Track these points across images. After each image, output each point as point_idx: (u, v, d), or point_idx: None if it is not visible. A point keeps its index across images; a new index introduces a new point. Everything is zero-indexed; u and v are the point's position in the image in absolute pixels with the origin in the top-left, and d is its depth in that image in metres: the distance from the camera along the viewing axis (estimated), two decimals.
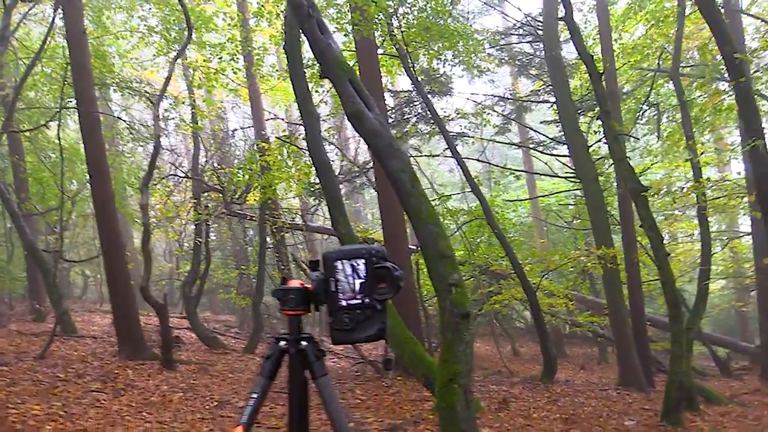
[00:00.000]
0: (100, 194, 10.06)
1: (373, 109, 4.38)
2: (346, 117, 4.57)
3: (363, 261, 1.60)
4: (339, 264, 1.61)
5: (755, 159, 6.68)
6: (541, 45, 14.07)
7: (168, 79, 9.48)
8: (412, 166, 4.41)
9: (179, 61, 13.83)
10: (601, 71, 7.24)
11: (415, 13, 10.19)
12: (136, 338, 10.43)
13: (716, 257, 21.56)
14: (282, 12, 11.23)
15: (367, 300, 1.62)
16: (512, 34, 14.82)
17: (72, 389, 7.62)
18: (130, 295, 10.45)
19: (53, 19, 12.43)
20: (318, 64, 4.75)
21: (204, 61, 12.91)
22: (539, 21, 13.72)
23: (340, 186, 18.68)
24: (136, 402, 7.31)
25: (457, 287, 3.94)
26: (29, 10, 14.55)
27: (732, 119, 14.86)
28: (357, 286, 1.63)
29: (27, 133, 15.48)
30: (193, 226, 14.82)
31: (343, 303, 1.64)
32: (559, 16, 8.50)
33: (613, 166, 14.02)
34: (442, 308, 4.05)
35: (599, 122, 14.06)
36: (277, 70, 15.13)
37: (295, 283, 1.74)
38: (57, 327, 10.74)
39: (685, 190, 10.09)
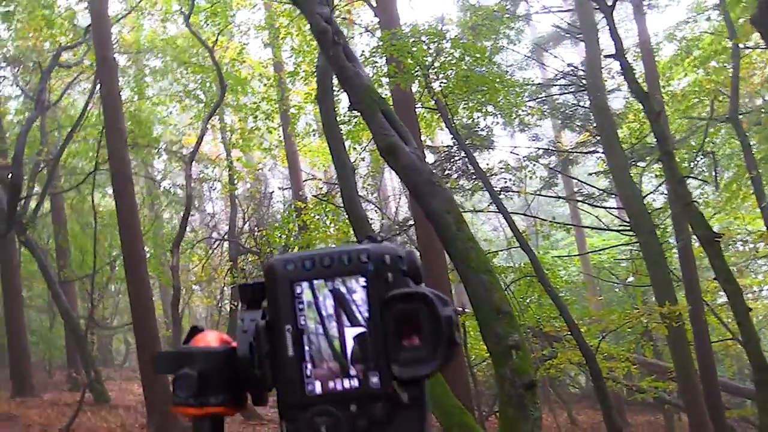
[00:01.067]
0: (131, 255, 9.75)
1: (410, 143, 3.85)
2: (379, 154, 4.04)
3: (363, 281, 0.74)
4: (303, 290, 0.75)
5: None
6: (585, 95, 13.56)
7: (201, 138, 9.26)
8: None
9: (217, 124, 13.80)
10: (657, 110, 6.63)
11: (454, 62, 9.81)
12: (166, 410, 9.88)
13: None
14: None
15: (373, 380, 0.74)
16: (554, 85, 14.36)
17: None
18: None
19: (94, 86, 12.58)
20: (347, 97, 4.28)
21: (239, 121, 12.79)
22: (582, 70, 13.26)
23: None
24: None
25: (518, 350, 3.23)
26: (72, 81, 14.86)
27: None
28: (348, 346, 0.76)
29: (69, 201, 15.55)
30: (230, 290, 14.42)
31: (315, 388, 0.75)
32: (606, 55, 7.99)
33: (669, 217, 13.20)
34: (501, 376, 3.32)
35: (655, 169, 13.32)
36: (313, 130, 14.95)
37: (207, 339, 0.80)
38: (85, 395, 10.27)
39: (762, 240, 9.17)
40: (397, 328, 0.73)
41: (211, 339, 0.80)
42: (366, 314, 0.73)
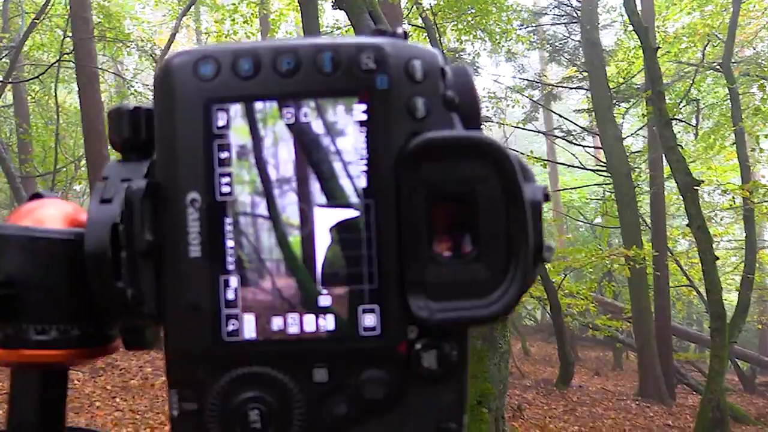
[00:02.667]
0: (94, 156, 9.36)
1: None
2: None
3: (362, 111, 0.35)
4: (230, 120, 0.35)
5: None
6: (577, 28, 13.16)
7: (173, 36, 8.71)
8: None
9: (192, 24, 13.10)
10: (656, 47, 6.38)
11: None
12: None
13: (736, 266, 20.78)
14: None
15: (367, 322, 0.37)
16: (547, 14, 13.89)
17: None
18: None
19: None
20: None
21: (216, 22, 12.14)
22: (576, 1, 12.81)
23: None
24: (112, 385, 6.61)
25: None
26: None
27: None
28: (319, 246, 0.37)
29: (32, 93, 14.83)
30: None
31: (244, 330, 0.37)
32: None
33: (645, 162, 13.17)
34: None
35: (636, 113, 13.18)
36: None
37: (43, 214, 0.42)
38: None
39: (734, 189, 9.19)
40: (428, 216, 0.35)
41: (50, 214, 0.41)
42: (364, 182, 0.35)
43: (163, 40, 17.71)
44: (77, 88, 9.90)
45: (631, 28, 14.05)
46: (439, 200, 0.35)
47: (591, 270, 14.99)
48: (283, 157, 0.35)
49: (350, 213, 0.36)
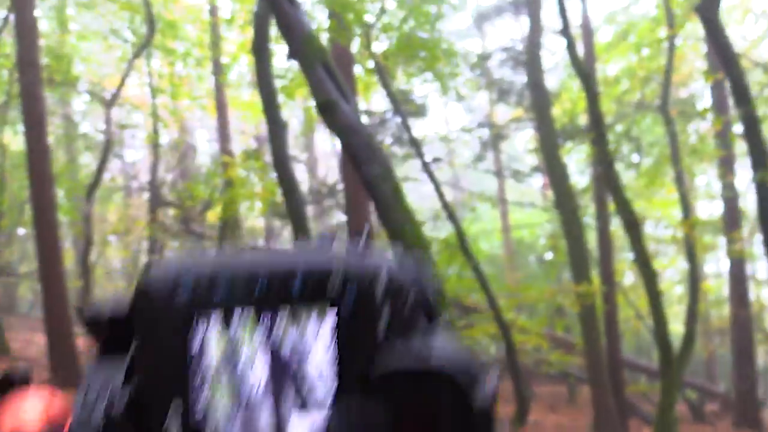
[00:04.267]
0: (39, 200, 9.14)
1: (350, 100, 3.66)
2: (316, 110, 3.80)
3: (329, 324, 0.47)
4: (207, 333, 0.46)
5: (763, 193, 6.16)
6: (523, 72, 13.63)
7: (123, 79, 8.66)
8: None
9: (145, 69, 13.05)
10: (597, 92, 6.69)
11: (397, 24, 9.57)
12: (70, 366, 9.46)
13: (680, 298, 21.47)
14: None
15: None
16: (493, 58, 14.36)
17: None
18: (66, 317, 9.48)
19: (7, 16, 11.58)
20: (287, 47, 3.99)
21: (168, 65, 12.12)
22: (521, 45, 13.30)
23: (309, 208, 17.94)
24: None
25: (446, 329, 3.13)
26: None
27: (708, 157, 14.61)
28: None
29: None
30: (147, 244, 13.87)
31: None
32: (554, 31, 7.98)
33: (593, 200, 13.59)
34: None
35: (582, 150, 13.59)
36: (247, 82, 14.39)
37: (21, 412, 0.46)
38: None
39: (677, 224, 9.54)
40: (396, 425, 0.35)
41: (28, 412, 0.35)
42: (330, 395, 0.34)
43: (115, 81, 17.53)
44: (23, 131, 9.69)
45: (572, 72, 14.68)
46: (399, 419, 0.37)
47: (543, 305, 15.27)
48: (257, 373, 0.35)
49: (318, 420, 0.37)
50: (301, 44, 3.78)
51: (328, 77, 3.71)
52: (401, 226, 3.44)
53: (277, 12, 3.92)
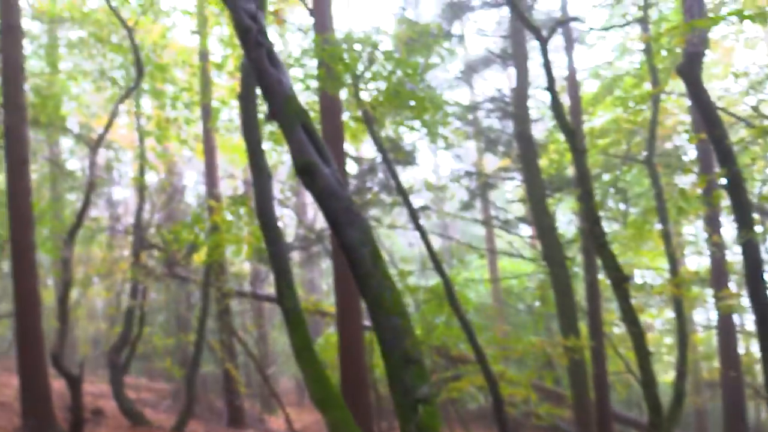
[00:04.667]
0: (19, 242, 8.96)
1: (330, 164, 3.56)
2: (295, 173, 3.70)
3: None
4: None
5: (748, 251, 6.13)
6: (510, 122, 13.74)
7: (110, 122, 8.60)
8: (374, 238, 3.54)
9: (133, 110, 13.04)
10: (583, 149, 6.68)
11: (385, 74, 9.63)
12: (43, 412, 9.13)
13: (670, 348, 21.32)
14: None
15: None
16: (481, 108, 14.48)
17: None
18: (41, 361, 9.18)
19: None
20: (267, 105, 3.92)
21: (156, 108, 12.11)
22: (509, 96, 13.43)
23: (295, 253, 17.75)
24: None
25: (426, 404, 2.96)
26: None
27: (695, 211, 14.67)
28: None
29: None
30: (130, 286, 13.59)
31: None
32: (539, 87, 8.03)
33: (580, 251, 13.53)
34: None
35: (570, 201, 13.61)
36: (236, 126, 14.38)
37: None
38: None
39: (664, 282, 9.48)
40: None
41: None
42: None
43: (104, 122, 17.50)
44: (6, 171, 9.57)
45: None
46: None
47: (531, 357, 15.05)
48: None
49: None
50: (281, 105, 3.70)
51: (309, 139, 3.63)
52: (380, 292, 3.31)
53: (258, 72, 3.85)
